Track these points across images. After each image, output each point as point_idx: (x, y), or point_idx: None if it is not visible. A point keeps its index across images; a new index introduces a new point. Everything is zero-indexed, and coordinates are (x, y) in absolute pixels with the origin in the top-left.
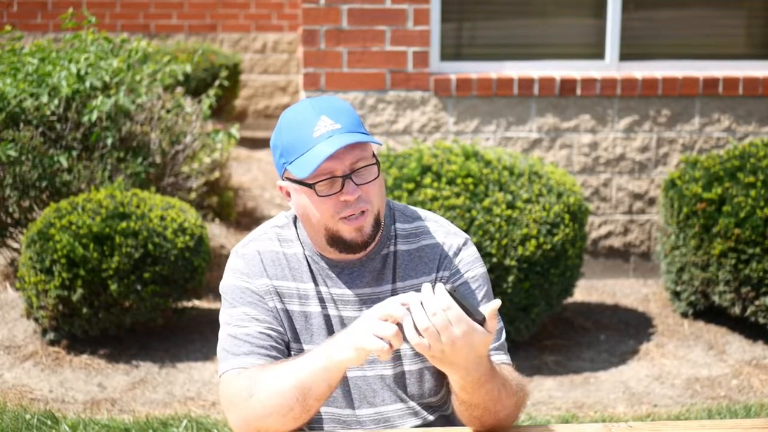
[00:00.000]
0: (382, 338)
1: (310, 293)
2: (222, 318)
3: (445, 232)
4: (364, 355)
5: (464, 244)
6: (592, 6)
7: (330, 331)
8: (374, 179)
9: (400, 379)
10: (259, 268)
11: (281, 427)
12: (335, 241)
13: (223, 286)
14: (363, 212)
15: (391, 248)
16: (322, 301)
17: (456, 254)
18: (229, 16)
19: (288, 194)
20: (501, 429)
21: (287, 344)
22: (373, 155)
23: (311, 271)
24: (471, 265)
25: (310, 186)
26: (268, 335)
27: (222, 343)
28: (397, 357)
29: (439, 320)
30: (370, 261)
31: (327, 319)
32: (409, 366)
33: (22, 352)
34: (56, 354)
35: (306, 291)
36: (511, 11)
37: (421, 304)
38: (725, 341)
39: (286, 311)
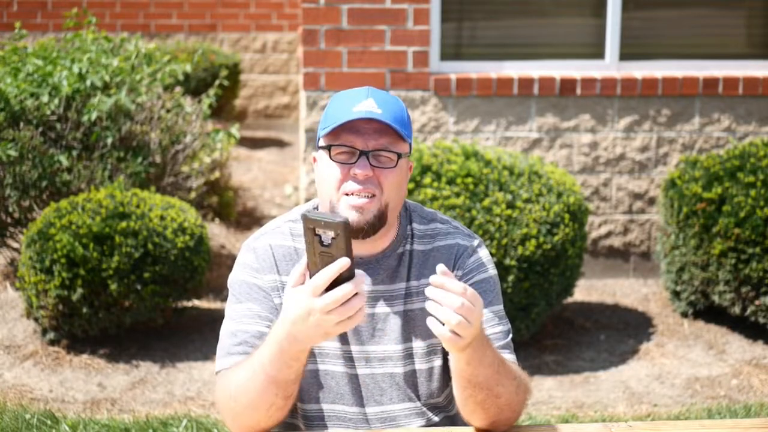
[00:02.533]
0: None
1: None
2: (226, 311)
3: (459, 234)
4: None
5: (478, 246)
6: (592, 6)
7: None
8: (391, 167)
9: (410, 378)
10: (270, 263)
11: (269, 419)
12: None
13: (231, 280)
14: (369, 197)
15: (407, 247)
16: None
17: (470, 256)
18: (229, 16)
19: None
20: (502, 426)
21: None
22: (402, 154)
23: None
24: (483, 267)
25: (328, 149)
26: (267, 333)
27: (221, 339)
28: (408, 356)
29: (466, 309)
30: (386, 258)
31: None
32: (420, 365)
33: (22, 352)
34: (56, 354)
35: None
36: (511, 11)
37: (438, 301)
38: (725, 341)
39: None
